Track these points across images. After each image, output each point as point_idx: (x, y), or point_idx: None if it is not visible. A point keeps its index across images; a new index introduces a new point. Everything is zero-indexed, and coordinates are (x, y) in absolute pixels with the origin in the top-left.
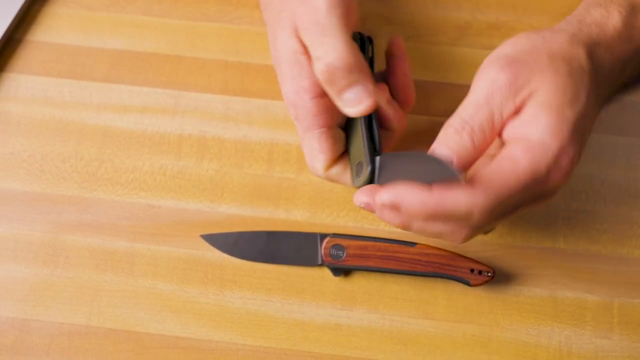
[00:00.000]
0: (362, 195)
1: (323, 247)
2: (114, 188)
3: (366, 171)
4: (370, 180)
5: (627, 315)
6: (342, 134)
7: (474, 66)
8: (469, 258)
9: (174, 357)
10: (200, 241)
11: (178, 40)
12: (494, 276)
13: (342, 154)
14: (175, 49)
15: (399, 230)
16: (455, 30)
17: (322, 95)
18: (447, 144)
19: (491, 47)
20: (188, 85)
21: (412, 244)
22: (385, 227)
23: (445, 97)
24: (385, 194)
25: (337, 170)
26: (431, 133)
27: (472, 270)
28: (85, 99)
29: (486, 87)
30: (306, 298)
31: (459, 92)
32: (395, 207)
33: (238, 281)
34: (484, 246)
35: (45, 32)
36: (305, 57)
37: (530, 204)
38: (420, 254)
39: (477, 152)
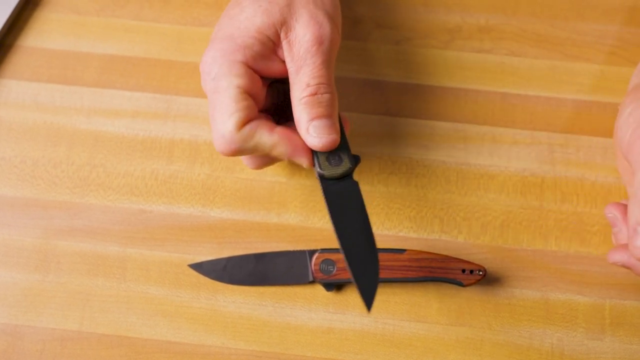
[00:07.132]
0: (617, 255)
1: (313, 263)
2: (106, 193)
3: (347, 164)
4: (349, 172)
5: (619, 316)
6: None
7: (465, 69)
8: (459, 259)
9: None
10: (192, 244)
11: (169, 44)
12: (485, 274)
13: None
14: (166, 54)
15: (390, 234)
16: (445, 34)
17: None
18: None
19: (481, 50)
20: (179, 89)
21: (402, 250)
22: (377, 231)
23: (435, 101)
24: (616, 256)
25: (247, 130)
26: (421, 136)
27: (463, 271)
28: (76, 104)
29: None
30: (299, 302)
31: (450, 95)
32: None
33: (230, 285)
34: (475, 249)
35: (36, 37)
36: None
37: None
38: (411, 260)
39: None
